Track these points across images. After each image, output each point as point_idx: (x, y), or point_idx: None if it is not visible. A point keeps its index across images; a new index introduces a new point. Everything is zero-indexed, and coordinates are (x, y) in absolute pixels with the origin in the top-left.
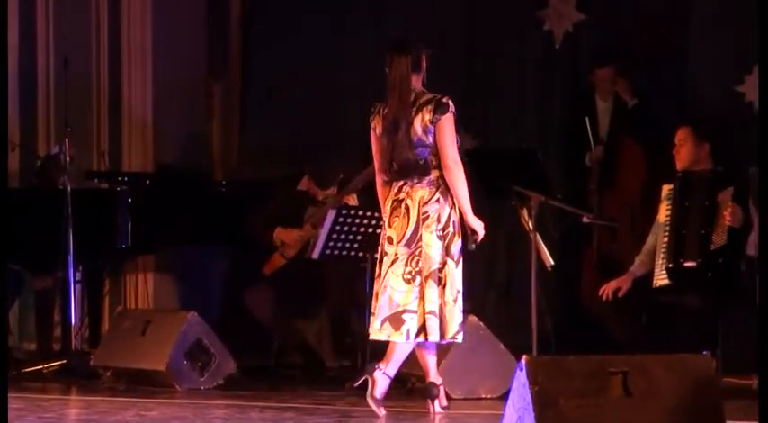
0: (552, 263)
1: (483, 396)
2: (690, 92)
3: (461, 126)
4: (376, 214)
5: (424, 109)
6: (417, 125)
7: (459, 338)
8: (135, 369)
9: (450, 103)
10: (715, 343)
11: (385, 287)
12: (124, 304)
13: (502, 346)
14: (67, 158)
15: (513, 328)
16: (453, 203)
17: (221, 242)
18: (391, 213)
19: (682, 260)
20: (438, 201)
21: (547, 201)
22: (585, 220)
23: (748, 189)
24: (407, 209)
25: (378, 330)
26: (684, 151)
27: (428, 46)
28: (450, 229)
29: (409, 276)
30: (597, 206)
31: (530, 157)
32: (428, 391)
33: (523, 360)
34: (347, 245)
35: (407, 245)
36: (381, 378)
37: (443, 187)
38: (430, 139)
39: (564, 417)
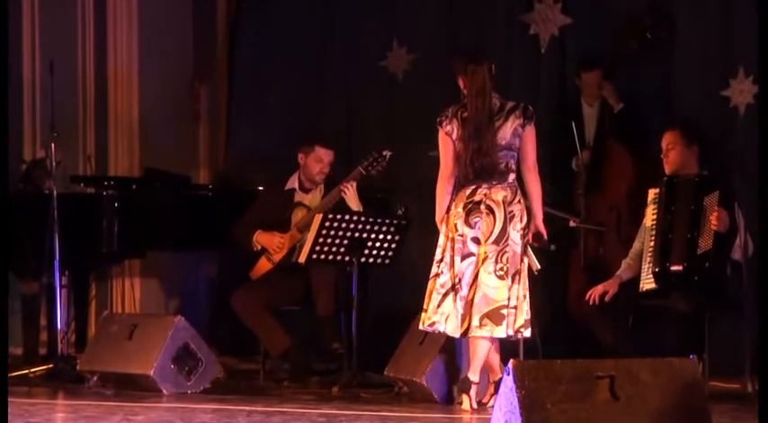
0: (539, 267)
1: None
2: (675, 96)
3: None
4: (362, 219)
5: (512, 115)
6: (507, 130)
7: (527, 333)
8: (122, 373)
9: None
10: (701, 347)
11: (478, 285)
12: (111, 309)
13: None
14: (53, 163)
15: None
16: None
17: (208, 246)
18: (467, 215)
19: (668, 264)
20: (520, 202)
21: None
22: (572, 224)
23: (734, 193)
24: (490, 209)
25: (477, 327)
26: (674, 155)
27: (416, 49)
28: (526, 229)
29: (502, 273)
30: (584, 210)
31: None
32: (464, 385)
33: (510, 364)
34: (334, 249)
35: (496, 243)
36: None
37: (520, 189)
38: (517, 143)
39: (551, 421)
